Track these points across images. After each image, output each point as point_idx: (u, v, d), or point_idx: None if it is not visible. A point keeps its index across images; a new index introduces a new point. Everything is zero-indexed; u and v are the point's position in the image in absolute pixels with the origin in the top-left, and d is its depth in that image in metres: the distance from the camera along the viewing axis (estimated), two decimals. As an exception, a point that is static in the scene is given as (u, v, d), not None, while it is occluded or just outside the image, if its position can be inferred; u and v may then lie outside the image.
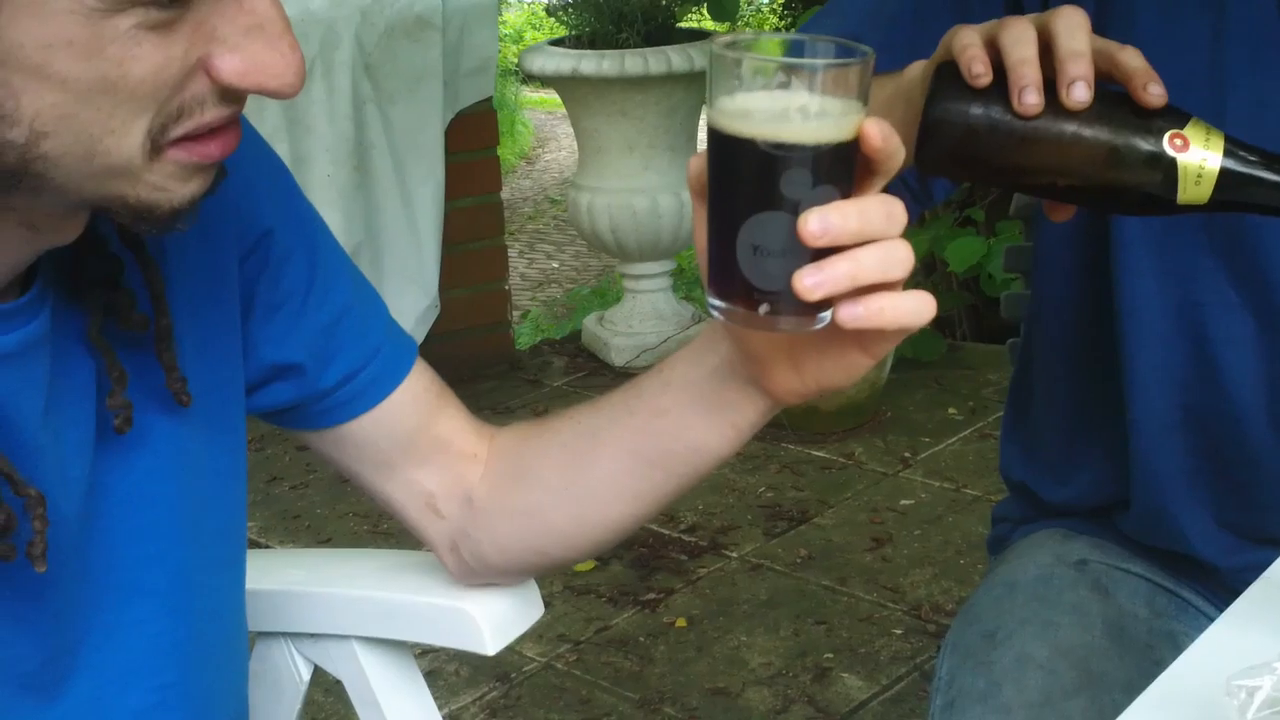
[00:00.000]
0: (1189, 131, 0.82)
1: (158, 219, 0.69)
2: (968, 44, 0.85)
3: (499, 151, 3.94)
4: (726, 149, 0.71)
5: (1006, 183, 0.93)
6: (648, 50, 3.63)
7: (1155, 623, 1.18)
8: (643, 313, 3.90)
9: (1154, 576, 1.22)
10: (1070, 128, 0.82)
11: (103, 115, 0.64)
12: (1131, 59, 0.83)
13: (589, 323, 4.08)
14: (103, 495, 0.81)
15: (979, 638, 1.15)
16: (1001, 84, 0.83)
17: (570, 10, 3.88)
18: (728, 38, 0.72)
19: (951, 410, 3.45)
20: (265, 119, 3.25)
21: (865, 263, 0.70)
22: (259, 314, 0.91)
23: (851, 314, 0.71)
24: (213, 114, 0.68)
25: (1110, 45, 0.84)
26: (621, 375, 3.80)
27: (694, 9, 4.08)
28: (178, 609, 0.86)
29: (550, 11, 4.05)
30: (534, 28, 14.35)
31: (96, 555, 0.81)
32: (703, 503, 3.06)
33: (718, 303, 0.74)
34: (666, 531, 2.94)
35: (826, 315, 0.72)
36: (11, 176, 0.65)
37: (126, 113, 0.65)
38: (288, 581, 1.10)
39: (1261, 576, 0.93)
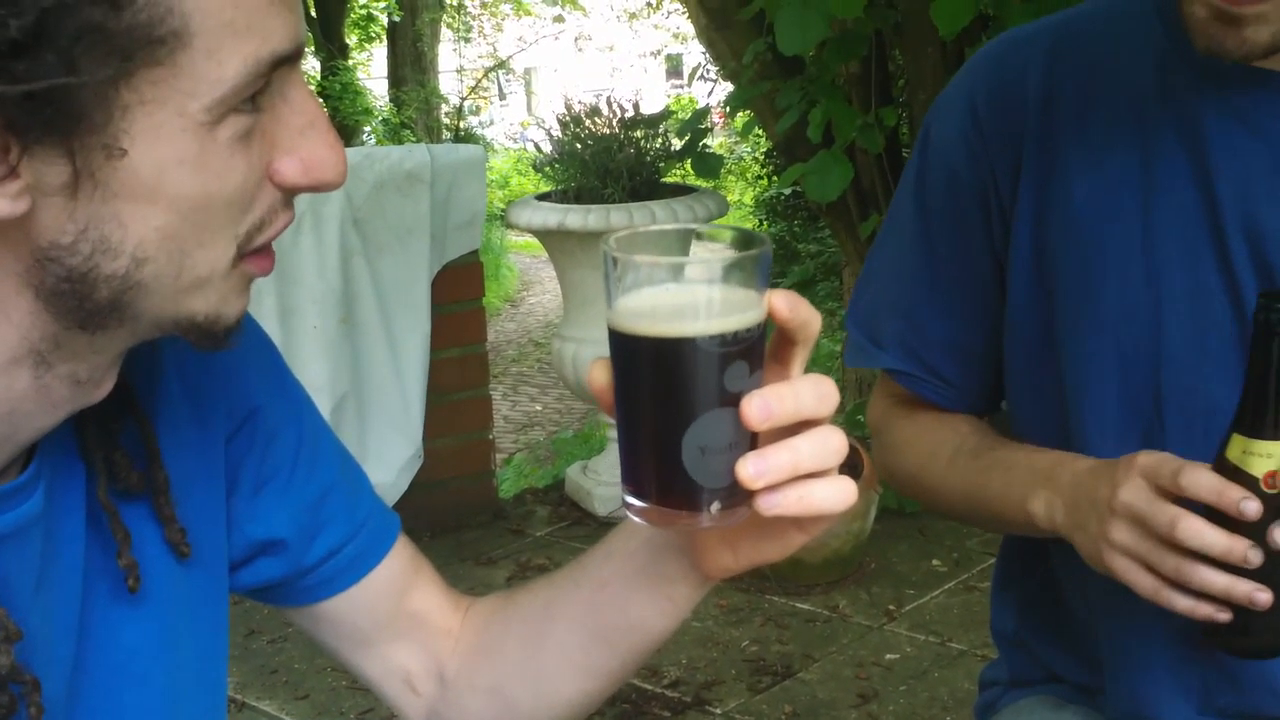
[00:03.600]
0: None
1: (217, 334, 0.73)
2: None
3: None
4: (659, 354, 0.70)
5: None
6: (632, 205, 3.70)
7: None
8: (626, 462, 3.91)
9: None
10: None
11: (198, 230, 0.68)
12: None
13: (572, 472, 4.08)
14: (88, 673, 0.80)
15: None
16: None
17: (556, 166, 3.96)
18: (621, 236, 0.71)
19: (936, 561, 3.44)
20: (254, 271, 3.28)
21: (803, 452, 0.71)
22: (245, 490, 0.92)
23: (771, 503, 0.71)
24: (282, 221, 0.73)
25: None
26: (605, 525, 3.79)
27: (678, 165, 4.17)
28: None
29: (537, 167, 4.12)
30: (519, 174, 14.61)
31: None
32: (686, 656, 3.03)
33: (640, 504, 0.73)
34: (649, 687, 2.90)
35: (749, 505, 0.73)
36: (100, 311, 0.68)
37: (219, 224, 0.69)
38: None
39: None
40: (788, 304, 0.72)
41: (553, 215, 3.71)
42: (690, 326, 0.69)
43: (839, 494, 0.73)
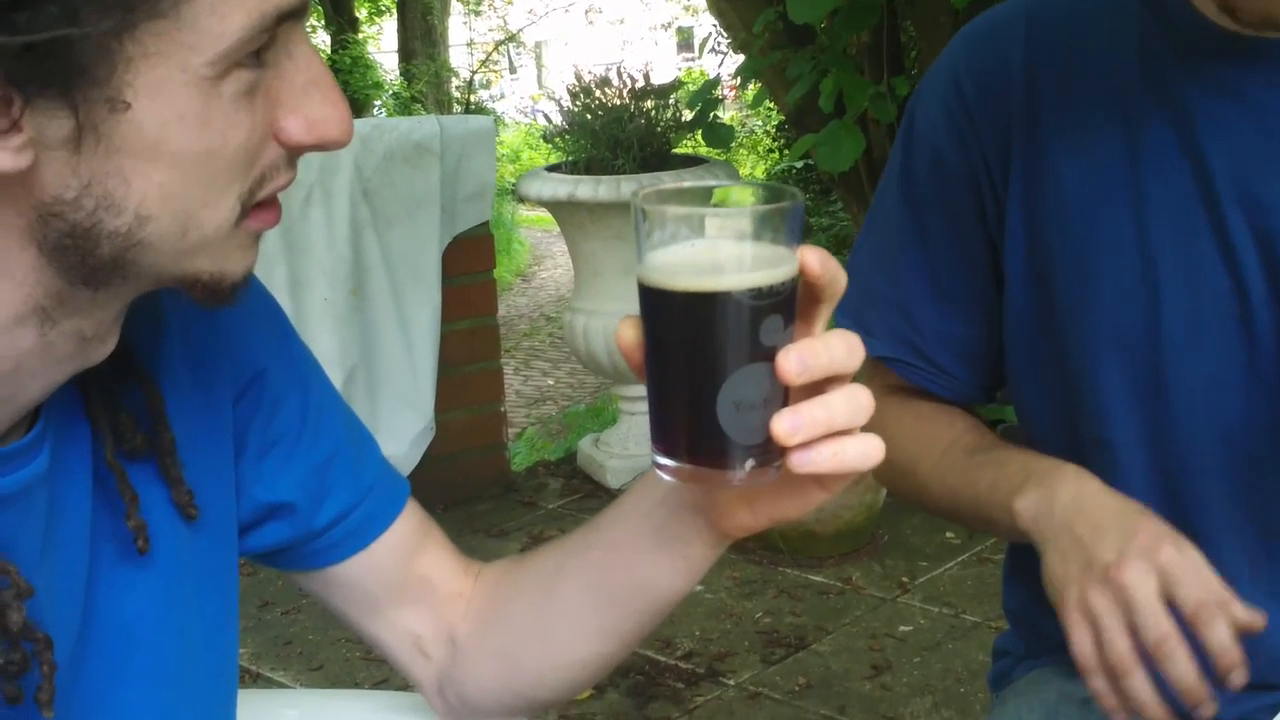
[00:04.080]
0: None
1: (222, 291, 0.72)
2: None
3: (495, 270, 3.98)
4: (695, 307, 0.69)
5: None
6: (643, 175, 3.69)
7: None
8: (639, 435, 3.90)
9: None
10: None
11: (202, 188, 0.67)
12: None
13: (585, 444, 4.07)
14: (94, 637, 0.80)
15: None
16: None
17: (567, 137, 3.94)
18: (650, 191, 0.70)
19: (949, 534, 3.43)
20: (264, 242, 3.27)
21: (837, 408, 0.71)
22: (252, 453, 0.91)
23: (805, 459, 0.71)
24: (284, 177, 0.72)
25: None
26: (617, 497, 3.78)
27: (689, 135, 4.14)
28: None
29: (547, 138, 4.10)
30: (530, 148, 14.59)
31: (85, 699, 0.80)
32: (699, 628, 3.02)
33: (673, 463, 0.72)
34: (663, 658, 2.90)
35: (781, 462, 0.72)
36: (103, 268, 0.67)
37: (223, 183, 0.67)
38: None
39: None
40: (819, 259, 0.72)
41: (563, 186, 3.70)
42: (725, 280, 0.68)
43: (870, 451, 0.73)
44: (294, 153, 0.71)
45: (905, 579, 3.22)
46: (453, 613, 0.99)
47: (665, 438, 0.72)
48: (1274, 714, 0.94)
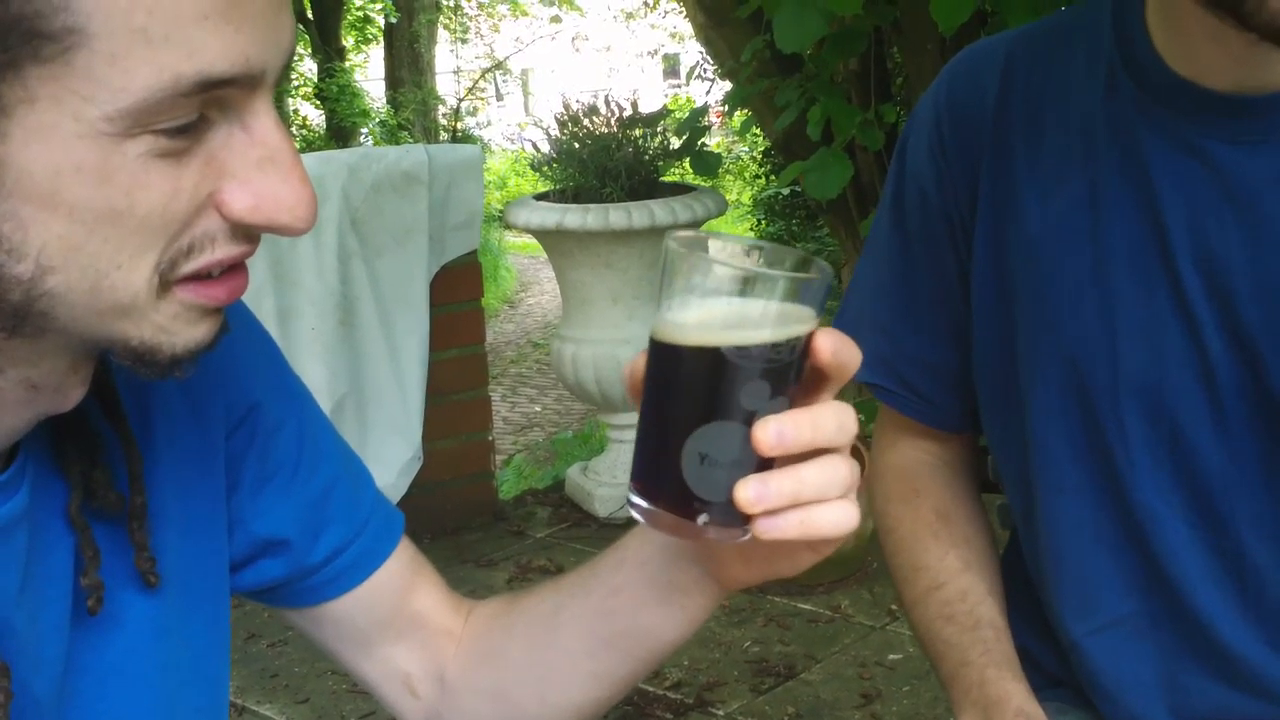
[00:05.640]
0: None
1: (158, 363, 0.68)
2: None
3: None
4: (680, 355, 0.70)
5: None
6: (631, 204, 3.69)
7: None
8: (627, 464, 3.86)
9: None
10: None
11: (110, 248, 0.63)
12: None
13: (573, 473, 4.06)
14: (79, 675, 0.79)
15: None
16: None
17: (555, 165, 3.95)
18: (686, 236, 0.71)
19: (938, 561, 3.42)
20: (252, 273, 3.25)
21: (808, 481, 0.70)
22: (247, 488, 0.90)
23: (769, 525, 0.70)
24: (223, 252, 0.67)
25: None
26: (606, 526, 3.77)
27: (676, 163, 4.15)
28: None
29: (535, 167, 4.11)
30: (517, 174, 14.61)
31: None
32: (689, 658, 3.01)
33: (643, 504, 0.72)
34: (652, 688, 2.89)
35: (749, 525, 0.71)
36: (15, 315, 0.64)
37: (135, 246, 0.64)
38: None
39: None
40: (831, 345, 0.70)
41: (551, 215, 3.70)
42: (711, 334, 0.68)
43: (841, 519, 0.71)
44: (239, 228, 0.67)
45: (895, 606, 3.21)
46: (443, 651, 0.98)
47: (636, 473, 0.73)
48: None
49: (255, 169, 0.66)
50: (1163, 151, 1.05)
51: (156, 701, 0.83)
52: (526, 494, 4.20)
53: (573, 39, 22.43)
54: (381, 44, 17.37)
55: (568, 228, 3.66)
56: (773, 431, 0.68)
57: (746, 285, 0.69)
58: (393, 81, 16.30)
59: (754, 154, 10.40)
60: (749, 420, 0.69)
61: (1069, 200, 1.10)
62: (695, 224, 3.75)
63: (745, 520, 0.71)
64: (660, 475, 0.71)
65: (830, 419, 0.70)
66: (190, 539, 0.85)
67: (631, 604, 0.88)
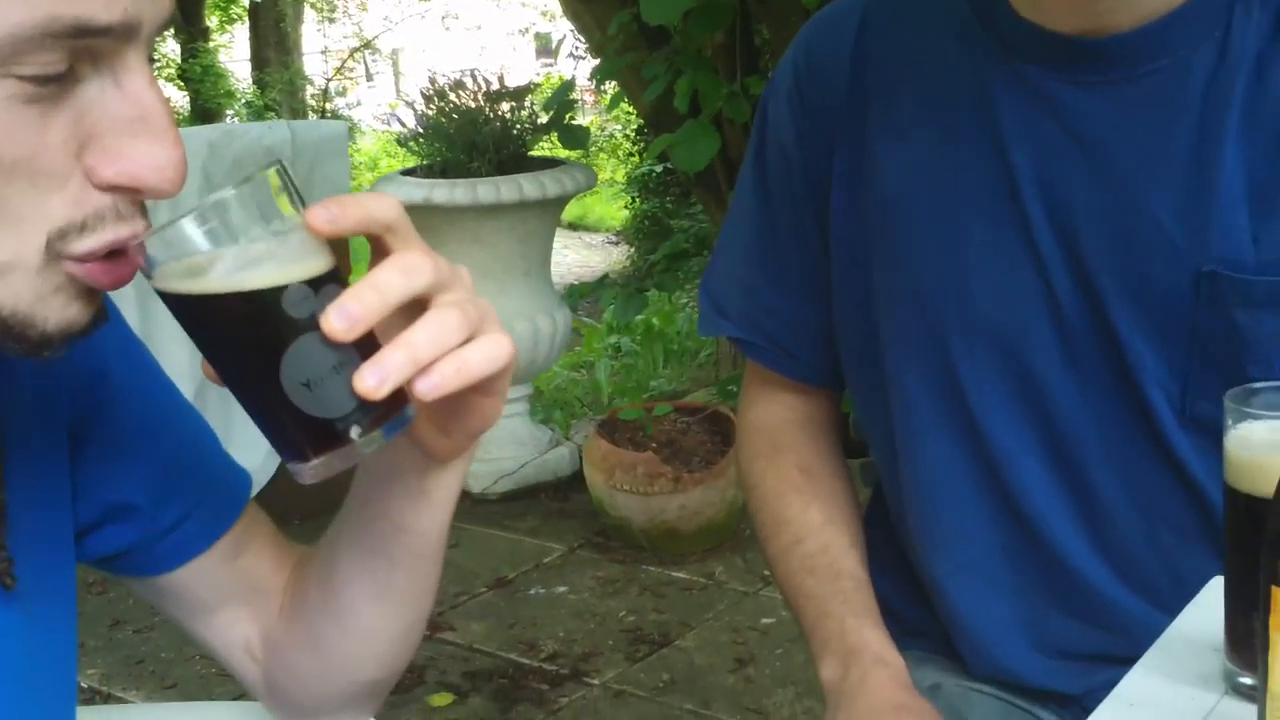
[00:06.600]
0: None
1: (27, 339, 0.66)
2: None
3: (353, 276, 3.92)
4: (224, 310, 0.66)
5: None
6: (500, 179, 3.67)
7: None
8: (500, 438, 3.88)
9: (1006, 696, 1.23)
10: None
11: None
12: None
13: (446, 450, 4.03)
14: None
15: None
16: None
17: (422, 140, 3.91)
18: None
19: (809, 527, 3.48)
20: (109, 252, 3.19)
21: (419, 342, 0.67)
22: (92, 454, 0.88)
23: (429, 385, 0.68)
24: (112, 232, 0.65)
25: None
26: (479, 502, 3.76)
27: (545, 137, 4.13)
28: None
29: (402, 142, 4.06)
30: (389, 155, 14.42)
31: None
32: (563, 629, 3.02)
33: (303, 465, 0.69)
34: (527, 661, 2.89)
35: (409, 406, 0.70)
36: None
37: (14, 201, 0.62)
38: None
39: (1111, 694, 0.93)
40: (325, 214, 0.67)
41: (418, 190, 3.66)
42: (212, 283, 0.65)
43: (494, 352, 0.70)
44: (117, 194, 0.65)
45: (768, 572, 3.25)
46: (273, 610, 0.97)
47: (276, 446, 0.70)
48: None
49: (126, 127, 0.64)
50: (1011, 94, 1.08)
51: (10, 707, 0.81)
52: (400, 473, 4.16)
53: (443, 18, 22.20)
54: (246, 23, 17.00)
55: (436, 203, 3.63)
56: (336, 316, 0.65)
57: (208, 225, 0.65)
58: (258, 62, 15.97)
59: (627, 132, 10.40)
60: (314, 325, 0.66)
61: (923, 147, 1.12)
62: (564, 197, 3.74)
63: (400, 404, 0.69)
64: (289, 429, 0.68)
65: (392, 273, 0.68)
66: (42, 535, 0.83)
67: (379, 504, 0.86)
